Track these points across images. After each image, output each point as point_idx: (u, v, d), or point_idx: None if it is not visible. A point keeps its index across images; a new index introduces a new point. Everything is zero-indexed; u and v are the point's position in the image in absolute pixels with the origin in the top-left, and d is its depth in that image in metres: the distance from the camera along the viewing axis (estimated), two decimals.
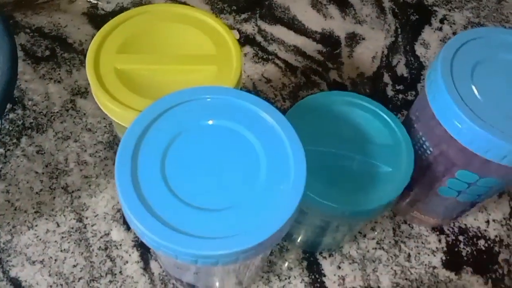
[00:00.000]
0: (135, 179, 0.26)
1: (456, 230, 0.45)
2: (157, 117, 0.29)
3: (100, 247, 0.40)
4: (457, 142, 0.33)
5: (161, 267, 0.40)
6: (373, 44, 0.57)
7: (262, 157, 0.27)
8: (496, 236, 0.45)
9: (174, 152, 0.27)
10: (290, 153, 0.27)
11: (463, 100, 0.32)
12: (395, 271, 0.42)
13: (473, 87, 0.33)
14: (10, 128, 0.46)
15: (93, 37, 0.50)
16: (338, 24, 0.58)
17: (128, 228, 0.41)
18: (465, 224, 0.45)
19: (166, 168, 0.27)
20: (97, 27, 0.54)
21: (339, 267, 0.41)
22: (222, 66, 0.35)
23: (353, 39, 0.57)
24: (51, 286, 0.38)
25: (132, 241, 0.41)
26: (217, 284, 0.35)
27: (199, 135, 0.28)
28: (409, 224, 0.44)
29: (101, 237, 0.41)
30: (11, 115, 0.47)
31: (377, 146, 0.34)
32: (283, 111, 0.30)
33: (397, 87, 0.53)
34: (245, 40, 0.55)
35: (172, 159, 0.27)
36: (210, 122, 0.29)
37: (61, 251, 0.40)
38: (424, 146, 0.36)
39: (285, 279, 0.40)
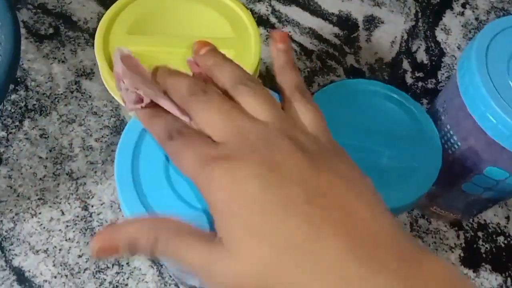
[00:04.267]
0: (136, 179, 0.24)
1: (475, 225, 0.43)
2: None
3: None
4: (487, 136, 0.31)
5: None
6: (392, 28, 0.54)
7: None
8: None
9: None
10: None
11: (499, 93, 0.30)
12: None
13: (509, 80, 0.31)
14: (12, 110, 0.44)
15: (98, 15, 0.47)
16: (356, 6, 0.55)
17: None
18: (485, 220, 0.44)
19: (171, 167, 0.25)
20: (103, 4, 0.51)
21: None
22: (240, 50, 0.32)
23: (372, 22, 0.54)
24: (55, 276, 0.37)
25: None
26: None
27: None
28: (427, 219, 0.43)
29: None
30: (13, 96, 0.45)
31: (403, 139, 0.32)
32: None
33: (417, 74, 0.51)
34: (258, 21, 0.53)
35: None
36: None
37: (66, 240, 0.38)
38: (452, 140, 0.34)
39: None
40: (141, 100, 0.22)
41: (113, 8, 0.33)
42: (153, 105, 0.22)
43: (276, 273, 0.16)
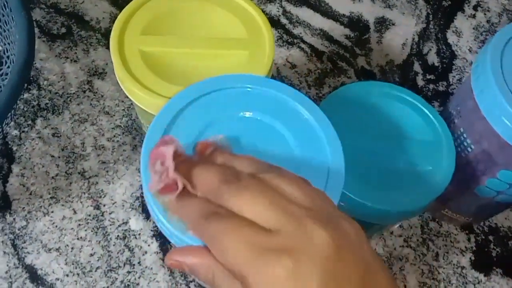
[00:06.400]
0: None
1: (486, 229, 0.43)
2: (187, 105, 0.27)
3: (118, 236, 0.39)
4: (501, 139, 0.31)
5: None
6: (403, 30, 0.54)
7: (297, 155, 0.26)
8: None
9: None
10: (327, 151, 0.26)
11: None
12: (422, 270, 0.40)
13: None
14: (25, 109, 0.44)
15: (111, 15, 0.47)
16: (367, 8, 0.55)
17: (147, 217, 0.40)
18: (496, 224, 0.43)
19: None
20: (115, 4, 0.51)
21: None
22: (254, 51, 0.32)
23: (383, 24, 0.54)
24: (67, 275, 0.37)
25: (151, 230, 0.39)
26: None
27: (231, 127, 0.26)
28: (437, 222, 0.43)
29: (119, 226, 0.39)
30: (26, 95, 0.45)
31: (417, 142, 0.32)
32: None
33: (428, 77, 0.51)
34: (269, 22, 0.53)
35: None
36: (246, 114, 0.27)
37: (78, 239, 0.39)
38: (465, 143, 0.34)
39: None
40: (174, 189, 0.21)
41: (128, 8, 0.33)
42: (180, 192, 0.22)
43: None
